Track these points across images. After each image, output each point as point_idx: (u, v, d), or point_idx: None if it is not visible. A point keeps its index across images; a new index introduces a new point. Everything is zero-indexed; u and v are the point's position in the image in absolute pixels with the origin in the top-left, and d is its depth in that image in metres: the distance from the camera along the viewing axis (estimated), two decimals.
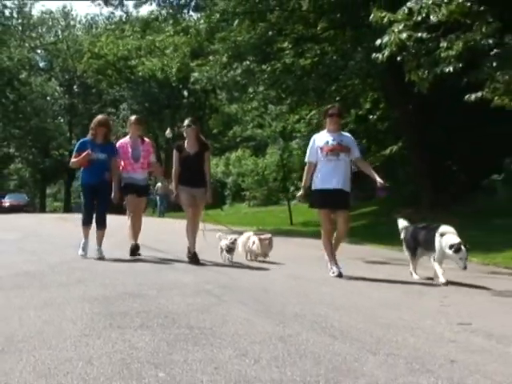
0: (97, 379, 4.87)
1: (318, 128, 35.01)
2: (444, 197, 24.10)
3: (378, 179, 11.66)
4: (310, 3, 28.77)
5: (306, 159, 12.04)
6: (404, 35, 16.67)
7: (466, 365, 5.53)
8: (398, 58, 17.45)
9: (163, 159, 57.27)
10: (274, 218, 32.96)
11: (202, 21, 32.54)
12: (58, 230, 24.26)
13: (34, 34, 75.24)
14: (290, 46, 29.29)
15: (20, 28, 72.53)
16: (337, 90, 29.27)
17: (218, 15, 30.26)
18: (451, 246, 10.08)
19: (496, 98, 16.56)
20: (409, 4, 16.63)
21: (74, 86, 76.89)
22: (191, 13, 35.34)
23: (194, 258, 12.84)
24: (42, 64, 78.87)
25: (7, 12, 67.83)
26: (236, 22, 29.22)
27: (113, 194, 13.50)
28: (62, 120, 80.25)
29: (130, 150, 13.76)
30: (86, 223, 13.45)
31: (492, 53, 16.29)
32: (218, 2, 32.30)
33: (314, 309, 8.12)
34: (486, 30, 16.20)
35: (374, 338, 6.46)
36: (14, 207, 53.76)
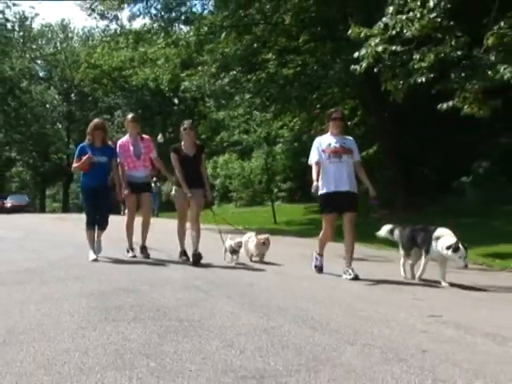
0: (92, 369, 4.90)
1: (301, 134, 35.13)
2: (417, 198, 24.16)
3: (371, 190, 11.37)
4: (293, 17, 28.81)
5: (312, 161, 11.37)
6: (380, 48, 16.85)
7: (436, 354, 5.58)
8: (375, 69, 17.59)
9: None
10: (259, 217, 32.92)
11: (191, 34, 32.43)
12: (57, 229, 24.17)
13: (34, 46, 74.99)
14: (273, 57, 29.30)
15: (21, 40, 72.27)
16: (317, 98, 29.28)
17: (206, 28, 30.32)
18: (449, 247, 9.72)
19: (466, 106, 16.67)
20: (384, 19, 16.82)
21: (72, 94, 76.67)
22: (181, 26, 35.40)
23: (186, 254, 12.61)
24: (41, 73, 78.61)
25: (9, 25, 67.59)
26: (223, 34, 29.24)
27: (123, 191, 12.91)
28: (60, 126, 79.99)
29: (131, 147, 13.23)
30: (91, 226, 12.78)
31: (461, 64, 16.44)
32: (206, 16, 32.58)
33: (296, 303, 8.15)
34: (455, 44, 16.36)
35: (351, 330, 6.49)
36: (15, 208, 53.51)
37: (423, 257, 10.47)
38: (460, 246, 9.66)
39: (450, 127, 21.26)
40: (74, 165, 13.08)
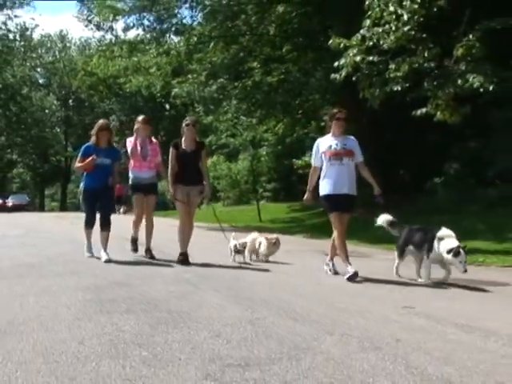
0: (88, 357, 4.92)
1: (284, 137, 35.14)
2: (392, 198, 24.20)
3: (376, 188, 10.66)
4: (277, 29, 28.84)
5: (312, 163, 10.83)
6: (358, 58, 17.12)
7: (409, 343, 5.62)
8: (353, 78, 17.81)
9: None
10: (245, 215, 32.90)
11: (181, 44, 32.45)
12: (56, 226, 24.12)
13: (34, 55, 74.90)
14: (258, 66, 29.28)
15: (22, 49, 72.10)
16: (300, 104, 29.29)
17: (195, 39, 30.35)
18: (450, 251, 9.11)
19: (438, 113, 16.80)
20: (362, 31, 17.07)
21: (70, 100, 76.52)
22: (172, 37, 35.28)
23: (184, 259, 11.65)
24: (41, 81, 78.43)
25: (11, 35, 67.55)
26: (211, 44, 29.27)
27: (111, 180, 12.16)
28: (58, 130, 79.79)
29: (138, 147, 12.44)
30: (89, 225, 12.08)
31: (433, 74, 16.55)
32: (195, 27, 32.52)
33: (279, 296, 8.17)
34: (427, 55, 16.58)
35: (330, 321, 6.52)
36: (16, 207, 53.38)
37: (425, 258, 9.75)
38: (461, 250, 9.10)
39: (424, 132, 21.33)
40: (77, 164, 12.35)
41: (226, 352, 5.13)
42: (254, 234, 13.20)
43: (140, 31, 33.75)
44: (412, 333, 6.10)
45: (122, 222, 13.33)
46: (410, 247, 10.18)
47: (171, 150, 11.98)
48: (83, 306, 7.13)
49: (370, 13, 17.10)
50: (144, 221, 12.82)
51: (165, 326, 6.09)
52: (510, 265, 10.72)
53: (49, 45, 77.28)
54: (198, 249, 12.12)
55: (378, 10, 16.91)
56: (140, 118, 13.02)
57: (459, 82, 16.18)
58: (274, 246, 12.69)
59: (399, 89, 16.92)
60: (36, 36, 74.92)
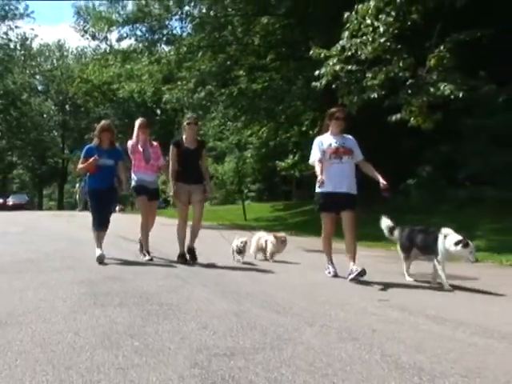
0: (83, 348, 4.93)
1: (268, 141, 35.15)
2: (370, 198, 24.23)
3: (382, 180, 9.73)
4: (261, 39, 28.89)
5: (313, 159, 9.86)
6: (337, 67, 17.33)
7: (384, 333, 5.64)
8: (333, 86, 17.92)
9: None
10: (231, 214, 32.77)
11: (172, 53, 32.47)
12: (53, 224, 24.03)
13: (33, 63, 74.87)
14: (244, 74, 29.30)
15: (22, 58, 72.05)
16: (282, 110, 29.31)
17: (185, 48, 30.47)
18: (458, 242, 8.42)
19: (412, 119, 16.93)
20: (341, 42, 17.25)
21: (67, 106, 76.39)
22: (163, 46, 35.32)
23: (186, 257, 11.18)
24: (40, 87, 78.23)
25: (12, 45, 67.53)
26: (200, 53, 29.35)
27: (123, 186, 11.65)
28: (56, 133, 79.55)
29: (140, 149, 11.70)
30: (98, 228, 11.20)
31: (407, 82, 16.67)
32: (185, 38, 32.64)
33: (262, 289, 8.17)
34: (402, 64, 16.76)
35: (310, 313, 6.53)
36: (16, 206, 53.16)
37: (435, 261, 8.86)
38: (469, 241, 8.51)
39: (399, 137, 21.36)
40: (80, 166, 11.41)
41: (213, 342, 5.14)
42: (260, 233, 12.71)
43: (133, 41, 33.89)
44: (387, 324, 6.12)
45: (118, 220, 13.00)
46: (415, 250, 9.39)
47: (172, 147, 11.29)
48: (79, 299, 7.13)
49: (348, 25, 17.29)
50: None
51: (155, 317, 6.10)
52: (478, 260, 10.73)
53: (47, 53, 77.20)
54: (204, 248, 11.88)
55: (355, 22, 17.08)
56: (138, 121, 12.20)
57: (431, 90, 16.32)
58: (282, 244, 12.08)
59: (376, 96, 17.08)
60: (35, 45, 75.12)
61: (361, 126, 24.52)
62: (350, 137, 10.06)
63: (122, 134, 37.22)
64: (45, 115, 77.68)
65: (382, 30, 16.60)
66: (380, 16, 16.71)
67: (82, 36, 47.97)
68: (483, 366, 4.66)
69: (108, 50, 45.78)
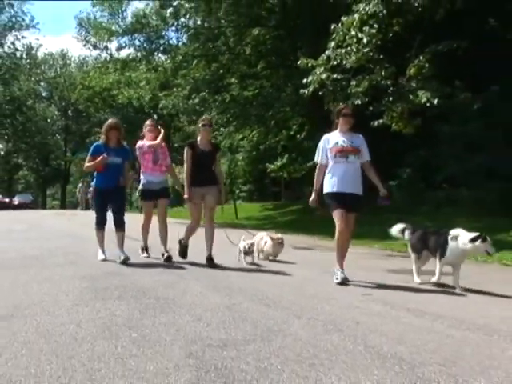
0: (84, 338, 4.95)
1: (258, 144, 35.16)
2: None
3: (382, 189, 9.05)
4: (252, 49, 28.90)
5: (317, 160, 9.14)
6: (324, 76, 17.49)
7: (367, 325, 5.66)
8: (320, 93, 18.02)
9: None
10: (223, 213, 32.78)
11: (168, 61, 32.62)
12: (56, 222, 23.97)
13: (38, 71, 74.69)
14: (236, 82, 29.31)
15: (28, 66, 71.88)
16: (272, 115, 29.25)
17: (180, 57, 30.53)
18: (475, 239, 7.96)
19: (393, 124, 17.01)
20: (327, 52, 17.44)
21: (69, 111, 76.09)
22: (160, 55, 35.35)
23: (210, 262, 10.18)
24: (44, 94, 77.92)
25: (18, 54, 67.56)
26: (194, 62, 29.36)
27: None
28: (58, 137, 79.30)
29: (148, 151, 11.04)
30: (101, 225, 10.52)
31: (389, 90, 16.76)
32: (180, 47, 32.63)
33: (253, 284, 8.16)
34: (384, 73, 16.93)
35: (299, 307, 6.53)
36: (21, 205, 52.95)
37: (437, 261, 8.52)
38: (486, 236, 8.01)
39: (381, 141, 21.38)
40: (87, 164, 10.60)
41: (207, 334, 5.15)
42: (261, 234, 12.03)
43: (131, 50, 33.82)
44: (370, 317, 6.12)
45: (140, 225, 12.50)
46: (425, 252, 8.82)
47: (186, 149, 10.45)
48: (80, 293, 7.14)
49: (334, 36, 17.49)
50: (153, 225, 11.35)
51: (152, 310, 6.11)
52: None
53: (51, 62, 77.00)
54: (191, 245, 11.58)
55: (341, 33, 17.27)
56: (148, 121, 11.69)
57: (411, 97, 16.43)
58: (279, 245, 11.41)
59: (359, 102, 17.26)
60: (40, 54, 74.93)
61: None
62: (359, 135, 9.17)
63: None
64: (48, 120, 77.51)
65: (365, 41, 16.79)
66: (364, 28, 16.92)
67: (84, 46, 48.01)
68: (459, 356, 4.68)
69: (108, 59, 45.64)
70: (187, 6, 29.77)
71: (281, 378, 4.02)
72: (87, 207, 42.36)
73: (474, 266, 10.52)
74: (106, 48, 44.38)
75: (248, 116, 29.85)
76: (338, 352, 4.68)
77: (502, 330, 5.72)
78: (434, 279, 8.62)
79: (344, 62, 17.29)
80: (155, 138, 11.17)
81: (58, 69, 77.29)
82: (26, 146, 71.86)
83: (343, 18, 17.40)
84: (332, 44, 17.59)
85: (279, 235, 11.74)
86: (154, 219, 11.32)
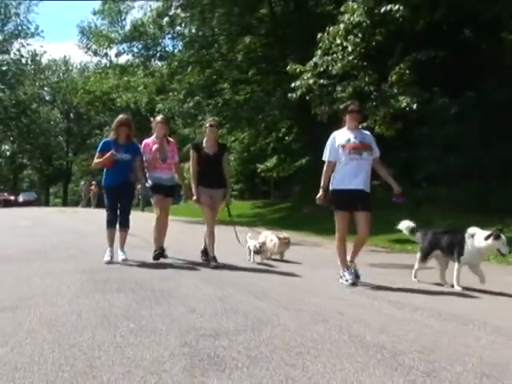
0: (85, 328, 4.96)
1: (249, 146, 35.15)
2: None
3: (396, 187, 8.52)
4: (244, 56, 28.95)
5: (326, 158, 8.38)
6: (311, 81, 17.64)
7: (352, 316, 5.67)
8: (307, 97, 18.13)
9: None
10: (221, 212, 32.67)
11: (164, 67, 32.56)
12: (59, 219, 23.92)
13: (42, 76, 74.63)
14: (228, 87, 29.32)
15: (32, 72, 71.83)
16: (262, 118, 29.25)
17: (176, 63, 30.56)
18: (488, 236, 7.44)
19: (377, 127, 17.06)
20: (314, 59, 17.58)
21: (71, 114, 75.99)
22: (157, 61, 35.33)
23: (215, 263, 9.46)
24: (47, 97, 77.73)
25: (23, 60, 67.70)
26: (189, 68, 29.41)
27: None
28: (61, 138, 79.18)
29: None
30: (112, 224, 9.70)
31: (372, 95, 16.84)
32: (176, 54, 32.68)
33: (243, 277, 8.21)
34: (367, 79, 17.05)
35: (287, 298, 6.55)
36: (26, 202, 52.76)
37: (456, 264, 7.86)
38: (500, 234, 7.47)
39: None
40: (96, 160, 9.84)
41: (200, 324, 5.16)
42: (266, 232, 11.36)
43: (130, 57, 33.78)
44: (354, 308, 6.15)
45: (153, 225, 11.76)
46: (437, 252, 8.23)
47: (192, 152, 9.88)
48: (81, 285, 7.15)
49: (320, 44, 17.63)
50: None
51: (149, 302, 6.11)
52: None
53: (54, 68, 76.88)
54: (186, 240, 11.56)
55: (327, 42, 17.42)
56: (158, 117, 10.82)
57: (392, 102, 16.51)
58: (285, 245, 10.80)
59: None
60: (44, 60, 74.79)
61: (331, 132, 24.70)
62: (367, 132, 8.74)
63: None
64: (51, 122, 77.40)
65: (350, 49, 16.94)
66: (349, 37, 17.05)
67: (85, 52, 47.64)
68: (437, 345, 4.71)
69: (108, 65, 45.53)
70: (183, 15, 29.99)
71: (270, 365, 4.02)
72: (88, 205, 42.34)
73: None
74: (106, 55, 44.17)
75: (239, 119, 29.86)
76: (323, 341, 4.69)
77: (476, 319, 5.76)
78: (456, 287, 7.75)
79: (330, 69, 17.41)
80: (164, 136, 10.33)
81: (61, 74, 77.23)
82: (31, 146, 71.81)
83: (329, 28, 17.52)
84: (319, 51, 17.72)
85: (286, 235, 11.19)
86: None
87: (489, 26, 16.77)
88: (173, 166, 10.39)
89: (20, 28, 64.29)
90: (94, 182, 44.42)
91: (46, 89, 77.51)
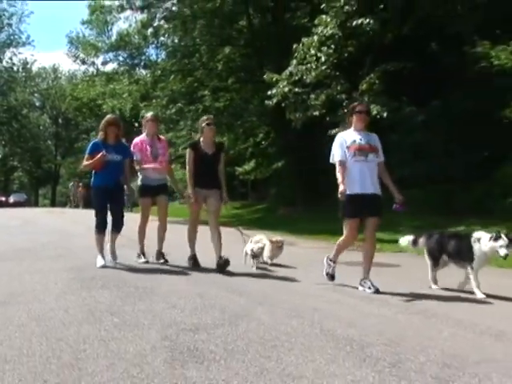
0: (71, 322, 4.97)
1: (228, 150, 35.15)
2: (313, 198, 24.36)
3: (397, 194, 7.61)
4: (223, 65, 28.89)
5: (336, 159, 7.56)
6: (286, 89, 17.79)
7: (324, 312, 5.70)
8: (282, 104, 18.25)
9: None
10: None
11: (148, 75, 32.57)
12: (47, 219, 23.70)
13: (32, 83, 74.15)
14: (209, 94, 29.23)
15: (23, 79, 71.51)
16: (241, 124, 29.23)
17: (159, 71, 30.60)
18: (490, 238, 6.90)
19: None
20: (289, 69, 17.75)
21: (59, 119, 75.53)
22: (141, 70, 35.33)
23: (197, 260, 9.05)
24: (37, 104, 77.25)
25: (15, 68, 67.33)
26: (172, 76, 29.30)
27: (135, 194, 9.71)
28: (50, 143, 78.67)
29: (148, 147, 9.32)
30: (101, 229, 8.85)
31: (344, 103, 16.95)
32: (159, 63, 32.68)
33: (222, 275, 8.16)
34: (340, 88, 17.19)
35: (262, 295, 6.59)
36: (16, 203, 52.29)
37: (468, 270, 7.15)
38: (502, 235, 6.87)
39: None
40: (85, 162, 9.02)
41: (180, 319, 5.17)
42: (259, 236, 10.04)
43: (116, 65, 33.80)
44: (327, 304, 6.18)
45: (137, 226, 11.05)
46: (444, 257, 7.55)
47: (189, 151, 9.09)
48: (68, 282, 7.12)
49: (296, 54, 17.78)
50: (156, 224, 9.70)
51: (132, 298, 6.10)
52: (399, 251, 10.76)
53: (44, 75, 76.37)
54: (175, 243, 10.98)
55: (302, 52, 17.57)
56: (148, 115, 10.04)
57: None
58: (278, 248, 9.65)
59: (317, 114, 17.54)
60: (34, 68, 74.35)
61: (306, 137, 24.75)
62: (373, 134, 7.82)
63: None
64: (41, 127, 76.93)
65: (323, 59, 17.11)
66: (322, 48, 17.24)
67: (74, 61, 47.69)
68: (403, 337, 4.76)
69: (95, 73, 45.51)
70: (166, 26, 29.99)
71: (246, 357, 4.04)
72: (77, 206, 42.05)
73: (416, 259, 10.56)
74: (93, 63, 44.30)
75: (219, 125, 29.65)
76: (296, 335, 4.72)
77: (438, 313, 5.84)
78: (479, 295, 6.98)
79: (304, 78, 17.56)
80: (155, 134, 9.62)
81: (50, 81, 76.76)
82: (21, 150, 71.29)
83: (304, 39, 17.64)
84: (294, 61, 17.86)
85: (279, 238, 10.11)
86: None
87: (453, 40, 16.92)
88: (164, 164, 9.53)
89: (12, 38, 63.97)
90: (81, 184, 44.18)
91: (36, 95, 77.01)
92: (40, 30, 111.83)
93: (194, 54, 29.70)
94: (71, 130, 74.39)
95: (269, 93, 18.50)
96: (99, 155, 8.63)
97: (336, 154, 7.55)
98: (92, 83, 46.71)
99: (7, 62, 65.85)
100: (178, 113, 29.22)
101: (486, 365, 4.09)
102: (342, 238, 7.68)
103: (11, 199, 55.51)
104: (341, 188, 7.27)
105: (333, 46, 17.24)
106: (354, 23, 16.73)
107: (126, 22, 37.76)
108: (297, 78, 17.73)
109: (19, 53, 66.06)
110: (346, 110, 17.21)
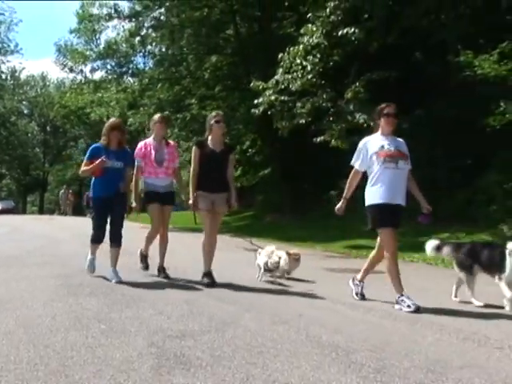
0: (59, 329, 4.94)
1: None
2: (299, 206, 24.39)
3: (425, 205, 7.03)
4: (211, 73, 28.99)
5: (355, 165, 7.04)
6: (273, 97, 17.91)
7: (309, 318, 5.71)
8: (269, 112, 18.35)
9: None
10: (183, 219, 32.38)
11: (136, 83, 32.50)
12: (35, 226, 23.54)
13: (21, 91, 73.98)
14: (196, 102, 29.24)
15: (12, 86, 71.36)
16: (227, 132, 29.29)
17: (147, 80, 30.52)
18: None
19: (333, 141, 17.23)
20: (276, 77, 17.84)
21: (47, 127, 75.34)
22: (129, 78, 35.28)
23: (210, 279, 7.91)
24: (25, 111, 77.06)
25: (3, 76, 67.13)
26: (159, 85, 29.34)
27: (133, 204, 8.55)
28: (38, 150, 78.44)
29: (153, 152, 8.50)
30: (97, 241, 8.31)
31: (330, 111, 17.05)
32: (147, 71, 32.76)
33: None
34: (325, 97, 17.29)
35: (248, 301, 6.59)
36: (4, 210, 51.95)
37: (499, 282, 6.58)
38: None
39: (323, 154, 21.53)
40: (84, 168, 8.27)
41: (167, 326, 5.16)
42: (271, 248, 9.01)
43: (103, 73, 33.72)
44: (312, 310, 6.19)
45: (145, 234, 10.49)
46: (476, 266, 6.91)
47: (194, 149, 8.23)
48: (55, 289, 7.08)
49: (282, 63, 17.91)
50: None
51: (119, 305, 6.08)
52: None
53: (32, 83, 76.19)
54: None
55: (288, 61, 17.66)
56: (156, 116, 9.17)
57: (349, 118, 16.73)
58: (295, 261, 8.88)
59: (304, 122, 17.68)
60: (23, 76, 74.18)
61: (292, 145, 24.82)
62: (401, 139, 7.11)
63: None
64: (29, 134, 76.67)
65: (309, 68, 17.20)
66: (308, 57, 17.35)
67: (62, 69, 47.39)
68: (388, 343, 4.77)
69: (83, 81, 45.30)
70: (153, 35, 30.07)
71: (232, 364, 4.04)
72: (64, 213, 41.86)
73: (402, 265, 10.63)
74: (81, 71, 44.01)
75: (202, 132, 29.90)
76: (282, 341, 4.72)
77: (423, 318, 5.87)
78: (508, 306, 6.55)
79: (290, 86, 17.63)
80: (163, 137, 8.87)
81: (39, 89, 76.58)
82: (9, 157, 70.98)
83: (290, 48, 17.71)
84: (280, 70, 17.96)
85: (296, 251, 9.34)
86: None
87: (437, 49, 17.04)
88: (171, 170, 8.76)
89: (0, 46, 63.84)
90: (70, 191, 44.03)
91: (24, 103, 76.79)
92: (28, 37, 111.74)
93: (181, 63, 29.76)
94: (59, 137, 74.22)
95: (255, 101, 18.59)
96: (98, 161, 7.94)
97: (356, 160, 7.05)
98: (80, 91, 46.45)
99: None
100: None
101: (469, 370, 4.11)
102: (375, 252, 7.19)
103: None
104: (339, 204, 7.28)
105: (318, 55, 17.34)
106: (340, 33, 16.81)
107: (114, 30, 37.71)
108: (283, 86, 17.82)
109: (7, 61, 65.83)
110: (331, 118, 17.44)
